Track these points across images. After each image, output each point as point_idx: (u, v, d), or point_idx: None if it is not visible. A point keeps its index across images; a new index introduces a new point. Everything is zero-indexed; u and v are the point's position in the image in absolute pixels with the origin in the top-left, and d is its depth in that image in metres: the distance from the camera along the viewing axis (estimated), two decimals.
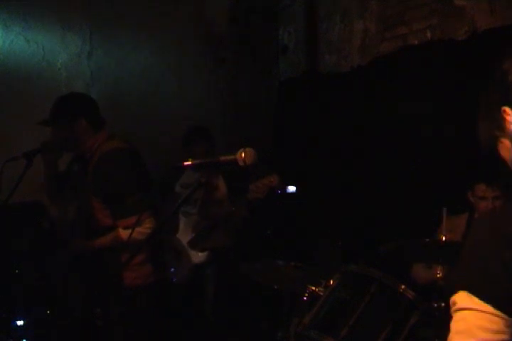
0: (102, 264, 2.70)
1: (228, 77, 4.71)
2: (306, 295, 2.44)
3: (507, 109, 1.16)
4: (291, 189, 3.47)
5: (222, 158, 1.83)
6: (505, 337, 1.00)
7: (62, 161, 2.99)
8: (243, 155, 1.76)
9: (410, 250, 2.78)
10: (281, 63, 4.95)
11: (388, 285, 2.34)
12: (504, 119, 1.16)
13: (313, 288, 2.44)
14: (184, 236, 3.66)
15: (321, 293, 2.40)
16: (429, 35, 3.69)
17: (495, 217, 1.15)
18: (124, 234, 2.56)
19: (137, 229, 2.43)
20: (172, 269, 3.60)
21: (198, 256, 3.63)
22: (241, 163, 1.77)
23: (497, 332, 1.00)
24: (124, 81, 4.20)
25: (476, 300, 1.02)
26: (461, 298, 1.04)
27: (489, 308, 1.01)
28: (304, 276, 2.65)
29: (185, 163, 1.88)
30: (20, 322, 2.73)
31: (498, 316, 1.00)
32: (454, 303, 1.05)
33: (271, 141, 4.84)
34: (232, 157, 1.79)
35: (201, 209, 3.65)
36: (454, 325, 1.04)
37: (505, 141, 1.17)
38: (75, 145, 2.75)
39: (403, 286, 2.33)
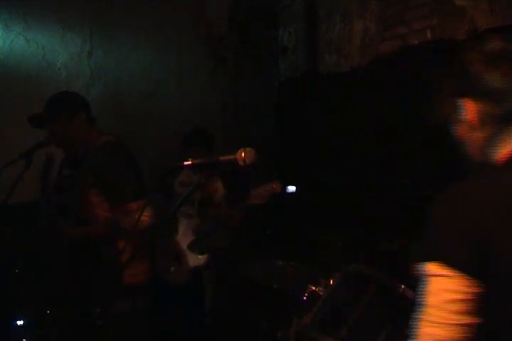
0: (101, 263, 2.71)
1: (228, 77, 4.71)
2: (306, 295, 2.44)
3: (468, 99, 1.30)
4: (291, 189, 3.47)
5: (222, 157, 1.83)
6: (464, 296, 1.15)
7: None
8: (243, 155, 1.77)
9: (410, 250, 2.78)
10: (281, 63, 4.95)
11: (388, 285, 2.34)
12: (464, 108, 1.31)
13: (313, 288, 2.43)
14: (185, 238, 3.65)
15: (321, 293, 2.40)
16: (429, 35, 3.69)
17: (452, 196, 1.25)
18: (122, 221, 2.59)
19: (135, 217, 2.45)
20: (172, 268, 3.60)
21: (198, 259, 3.63)
22: (241, 163, 1.77)
23: (457, 292, 1.15)
24: (124, 81, 4.20)
25: (441, 266, 1.17)
26: (429, 267, 1.19)
27: (450, 272, 1.16)
28: (304, 276, 2.65)
29: (185, 163, 1.88)
30: (20, 322, 2.73)
31: (458, 277, 1.15)
32: (423, 271, 1.20)
33: (271, 141, 4.84)
34: (232, 157, 1.79)
35: (200, 210, 3.66)
36: (425, 290, 1.20)
37: (463, 126, 1.34)
38: (69, 143, 2.78)
39: (403, 286, 2.33)
